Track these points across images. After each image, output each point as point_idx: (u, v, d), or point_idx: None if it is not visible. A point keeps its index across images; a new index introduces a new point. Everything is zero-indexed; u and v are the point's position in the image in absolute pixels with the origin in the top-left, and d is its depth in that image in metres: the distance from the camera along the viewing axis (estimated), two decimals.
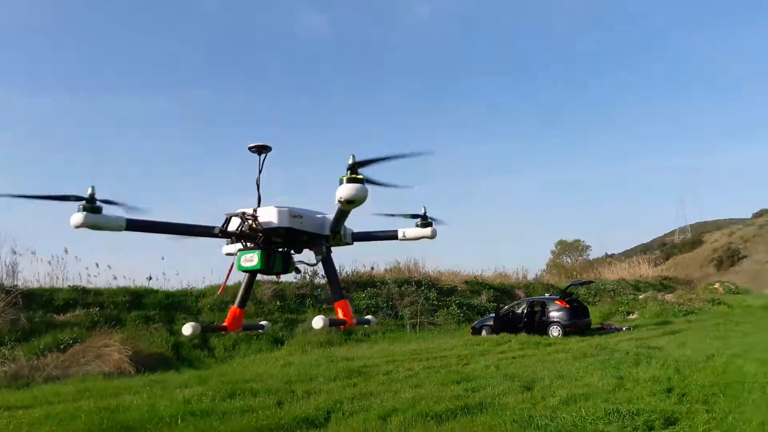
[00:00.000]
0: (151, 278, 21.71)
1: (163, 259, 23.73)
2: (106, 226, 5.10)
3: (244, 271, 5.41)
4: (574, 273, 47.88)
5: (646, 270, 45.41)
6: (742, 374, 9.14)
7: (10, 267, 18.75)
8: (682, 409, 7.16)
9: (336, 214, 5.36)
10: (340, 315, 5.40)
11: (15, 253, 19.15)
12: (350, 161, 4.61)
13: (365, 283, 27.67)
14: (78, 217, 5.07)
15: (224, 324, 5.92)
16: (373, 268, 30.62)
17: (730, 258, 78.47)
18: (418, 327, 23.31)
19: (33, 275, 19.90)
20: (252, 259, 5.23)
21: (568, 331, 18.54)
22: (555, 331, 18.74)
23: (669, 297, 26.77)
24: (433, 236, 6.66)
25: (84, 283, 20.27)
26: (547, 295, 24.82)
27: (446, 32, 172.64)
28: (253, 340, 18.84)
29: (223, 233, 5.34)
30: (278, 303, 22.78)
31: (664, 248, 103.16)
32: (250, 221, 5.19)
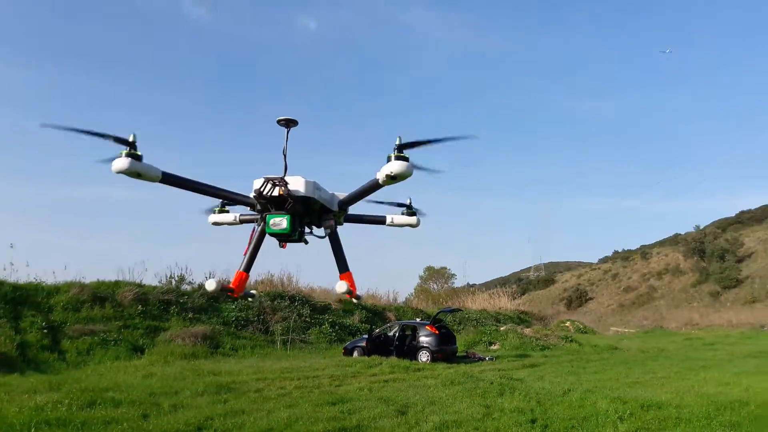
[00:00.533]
0: None
1: (12, 247, 21.27)
2: (146, 175, 5.11)
3: (272, 233, 5.64)
4: (440, 299, 49.81)
5: (505, 303, 48.27)
6: (595, 409, 9.92)
7: None
8: None
9: (361, 189, 5.76)
10: (344, 289, 5.87)
11: None
12: (397, 142, 5.12)
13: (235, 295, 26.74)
14: (123, 162, 4.95)
15: (232, 286, 6.14)
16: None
17: (578, 298, 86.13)
18: (289, 344, 22.91)
19: None
20: (281, 223, 5.60)
21: (436, 357, 19.13)
22: (424, 357, 19.27)
23: (527, 331, 28.57)
24: (417, 225, 7.26)
25: None
26: (418, 319, 25.58)
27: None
28: (110, 346, 17.46)
29: (259, 197, 5.47)
30: (140, 307, 21.33)
31: (520, 283, 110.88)
32: (281, 186, 5.41)
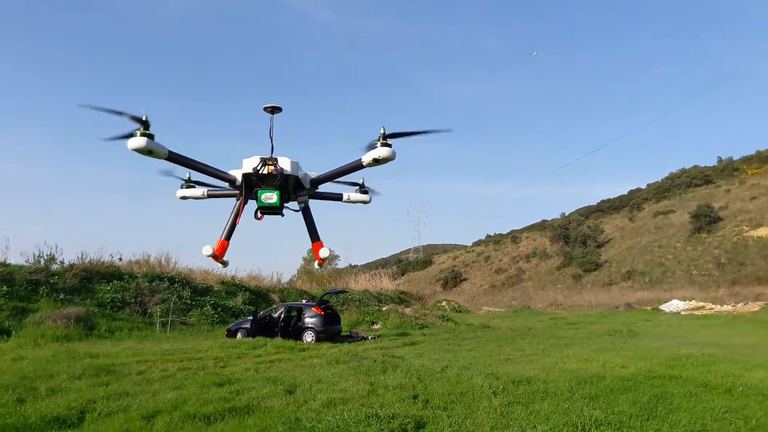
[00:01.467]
0: None
1: None
2: (156, 153, 5.55)
3: (263, 206, 6.27)
4: (324, 281, 50.42)
5: (386, 283, 49.88)
6: (471, 385, 10.69)
7: None
8: (428, 414, 8.29)
9: (342, 169, 6.65)
10: (326, 254, 6.90)
11: None
12: (382, 131, 5.98)
13: (111, 274, 25.59)
14: (140, 140, 5.65)
15: (216, 252, 6.76)
16: (120, 259, 28.49)
17: (454, 279, 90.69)
18: (169, 326, 22.35)
19: None
20: (272, 197, 6.31)
21: (321, 337, 19.62)
22: (309, 337, 19.70)
23: (407, 311, 29.87)
24: (369, 201, 8.08)
25: None
26: (304, 301, 25.94)
27: None
28: None
29: (255, 174, 6.05)
30: (4, 288, 19.88)
31: (400, 264, 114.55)
32: (272, 165, 6.12)
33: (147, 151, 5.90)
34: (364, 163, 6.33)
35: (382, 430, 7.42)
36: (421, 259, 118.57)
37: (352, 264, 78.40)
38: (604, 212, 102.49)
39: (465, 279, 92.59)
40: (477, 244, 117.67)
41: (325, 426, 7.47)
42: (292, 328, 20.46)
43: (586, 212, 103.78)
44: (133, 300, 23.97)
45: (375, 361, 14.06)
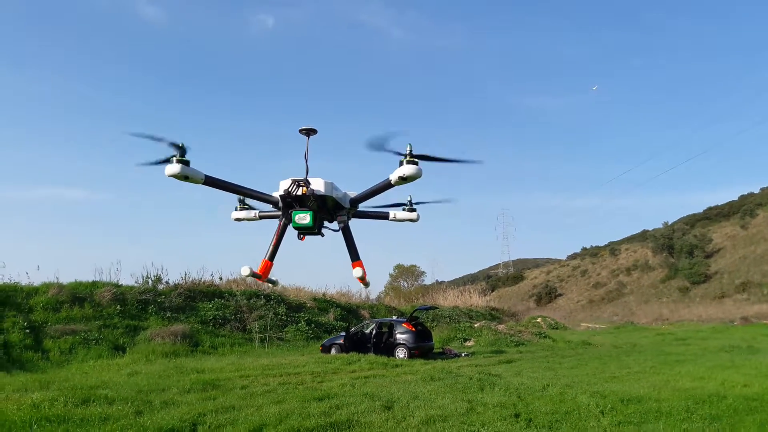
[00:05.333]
0: None
1: None
2: (192, 178, 6.06)
3: (297, 227, 6.62)
4: (411, 297, 50.38)
5: (476, 300, 48.99)
6: (576, 404, 10.23)
7: None
8: None
9: (374, 189, 6.84)
10: (359, 274, 6.98)
11: None
12: (408, 149, 6.12)
13: (212, 293, 26.91)
14: (175, 167, 5.98)
15: (258, 272, 7.16)
16: (221, 278, 29.90)
17: (548, 295, 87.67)
18: (267, 342, 23.20)
19: None
20: (305, 218, 6.58)
21: (413, 353, 19.58)
22: (401, 353, 19.72)
23: (501, 327, 29.18)
24: (417, 219, 8.21)
25: None
26: (394, 317, 26.05)
27: None
28: (92, 345, 17.55)
29: (287, 196, 6.43)
30: (118, 307, 21.39)
31: (489, 280, 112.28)
32: (304, 186, 6.42)
33: (183, 177, 6.15)
34: (392, 182, 6.36)
35: None
36: (512, 274, 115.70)
37: (439, 280, 77.98)
38: (711, 220, 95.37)
39: (560, 294, 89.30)
40: (572, 257, 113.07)
41: None
42: (384, 344, 20.57)
43: (692, 221, 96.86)
44: (233, 317, 25.08)
45: (471, 378, 13.83)
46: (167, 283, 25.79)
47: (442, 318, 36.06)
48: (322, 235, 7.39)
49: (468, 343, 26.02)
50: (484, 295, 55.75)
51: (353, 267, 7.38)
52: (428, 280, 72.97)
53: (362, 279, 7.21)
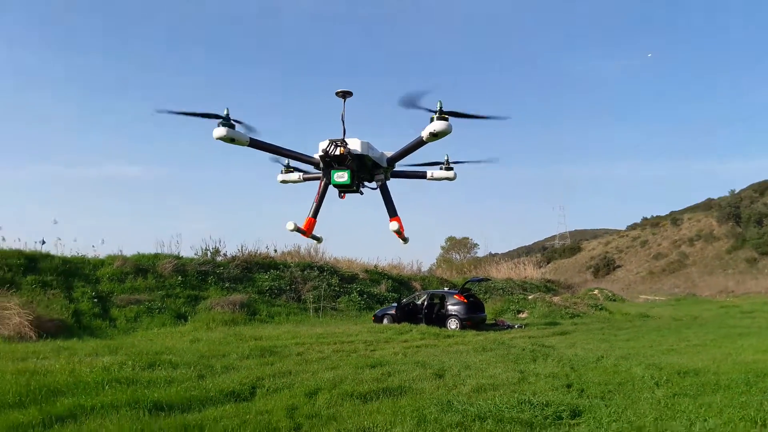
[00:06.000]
0: (44, 242, 20.53)
1: (56, 223, 22.66)
2: (238, 140, 6.53)
3: (336, 185, 7.03)
4: (463, 269, 50.22)
5: (531, 272, 48.41)
6: (630, 375, 10.08)
7: None
8: (585, 403, 7.98)
9: (408, 146, 7.15)
10: (395, 228, 7.29)
11: None
12: (438, 105, 6.25)
13: (268, 264, 27.65)
14: (221, 130, 6.39)
15: (303, 228, 7.66)
16: (275, 250, 30.66)
17: (606, 266, 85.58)
18: (321, 312, 23.75)
19: None
20: (343, 176, 6.96)
21: (465, 324, 19.65)
22: (453, 324, 19.82)
23: (556, 299, 28.83)
24: (454, 178, 8.40)
25: None
26: (445, 288, 26.12)
27: None
28: (155, 314, 18.43)
29: (325, 155, 6.82)
30: (179, 278, 22.29)
31: (545, 252, 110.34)
32: (341, 146, 6.77)
33: (229, 139, 6.50)
34: (424, 138, 6.50)
35: (536, 416, 7.25)
36: (569, 245, 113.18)
37: (493, 252, 77.26)
38: None
39: (619, 266, 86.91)
40: (632, 228, 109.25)
41: (477, 410, 7.46)
42: (435, 315, 20.71)
43: (761, 188, 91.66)
44: (288, 287, 25.78)
45: (524, 349, 13.77)
46: (225, 255, 26.70)
47: (495, 290, 35.96)
48: (361, 193, 7.71)
49: (521, 315, 25.88)
50: (539, 267, 54.99)
51: (390, 221, 7.64)
52: (481, 253, 72.41)
53: (399, 233, 7.45)
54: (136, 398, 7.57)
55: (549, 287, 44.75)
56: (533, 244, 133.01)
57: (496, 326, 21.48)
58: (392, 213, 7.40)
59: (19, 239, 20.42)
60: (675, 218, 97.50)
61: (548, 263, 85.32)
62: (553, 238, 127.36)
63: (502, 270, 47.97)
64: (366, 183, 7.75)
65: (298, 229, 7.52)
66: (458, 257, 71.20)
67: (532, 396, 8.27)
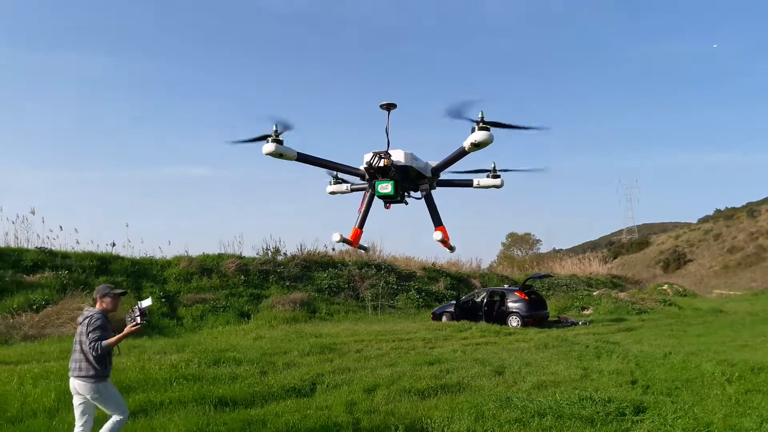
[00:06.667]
0: (115, 245, 21.56)
1: (127, 226, 23.83)
2: (286, 155, 6.98)
3: (380, 196, 7.29)
4: (525, 266, 49.35)
5: (596, 267, 47.04)
6: (700, 372, 9.68)
7: None
8: (649, 399, 7.74)
9: (451, 156, 7.31)
10: (439, 237, 7.38)
11: None
12: (480, 115, 6.33)
13: (326, 263, 28.00)
14: (270, 146, 6.78)
15: (350, 239, 7.97)
16: (333, 249, 31.01)
17: (676, 261, 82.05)
18: (379, 309, 23.87)
19: None
20: (387, 187, 7.20)
21: (527, 322, 19.31)
22: (514, 321, 19.52)
23: (622, 295, 27.88)
24: (501, 185, 8.48)
25: (48, 245, 20.05)
26: (505, 285, 25.74)
27: None
28: (220, 312, 19.00)
29: (369, 167, 7.10)
30: (242, 277, 22.87)
31: (611, 247, 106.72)
32: (385, 158, 7.02)
33: (278, 155, 6.79)
34: (466, 149, 6.51)
35: (598, 412, 7.07)
36: (636, 240, 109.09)
37: (556, 248, 75.56)
38: None
39: (690, 260, 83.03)
40: (703, 220, 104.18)
41: (537, 406, 7.34)
42: (496, 313, 20.45)
43: None
44: (346, 285, 26.04)
45: (587, 346, 13.41)
46: (285, 254, 27.24)
47: (558, 286, 35.15)
48: (406, 203, 7.81)
49: (586, 312, 25.18)
50: (606, 262, 53.33)
51: (435, 231, 7.59)
52: (544, 249, 70.98)
53: (444, 242, 7.49)
54: (202, 394, 7.86)
55: (615, 283, 43.31)
56: (599, 239, 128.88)
57: (559, 323, 21.00)
58: (437, 222, 7.50)
59: (92, 241, 21.53)
60: (752, 210, 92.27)
61: (615, 258, 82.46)
62: (620, 232, 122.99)
63: (566, 266, 46.88)
64: (411, 193, 7.82)
65: (344, 240, 7.70)
66: (520, 254, 70.11)
67: (594, 392, 8.07)
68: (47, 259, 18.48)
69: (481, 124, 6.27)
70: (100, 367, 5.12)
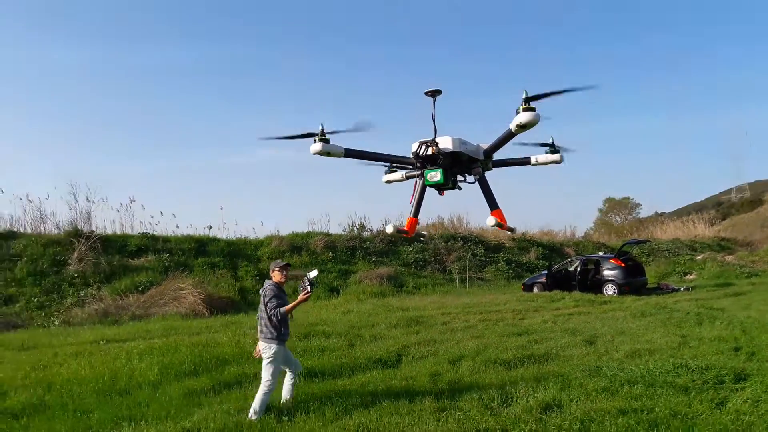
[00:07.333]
0: (211, 227, 22.76)
1: (222, 209, 25.09)
2: (334, 153, 7.26)
3: (430, 185, 7.39)
4: (624, 231, 47.15)
5: (702, 230, 44.13)
6: None
7: (85, 214, 19.99)
8: (753, 367, 7.25)
9: (500, 138, 7.22)
10: (497, 220, 7.34)
11: (89, 201, 20.34)
12: (524, 95, 6.18)
13: (411, 238, 28.08)
14: (317, 146, 6.96)
15: (406, 228, 8.20)
16: (419, 223, 31.06)
17: None
18: (467, 282, 23.71)
19: (102, 222, 21.26)
20: (436, 175, 7.27)
21: (623, 290, 18.52)
22: (610, 290, 18.77)
23: (730, 258, 26.10)
24: (561, 161, 8.21)
25: (150, 231, 21.50)
26: (600, 253, 24.75)
27: None
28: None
29: (416, 157, 7.23)
30: (330, 254, 23.48)
31: (719, 207, 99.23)
32: (432, 146, 7.10)
33: (326, 153, 6.89)
34: (513, 130, 6.38)
35: (694, 380, 6.68)
36: (748, 198, 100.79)
37: (659, 212, 71.40)
38: None
39: None
40: None
41: (628, 375, 7.03)
42: (590, 281, 19.76)
43: None
44: (432, 259, 26.05)
45: (688, 313, 12.68)
46: (371, 230, 27.61)
47: (659, 252, 33.31)
48: (460, 188, 7.66)
49: (689, 277, 23.80)
50: (712, 224, 49.86)
51: (491, 215, 7.42)
52: (645, 213, 67.23)
53: (500, 226, 7.28)
54: None
55: (723, 246, 40.38)
56: (705, 199, 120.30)
57: (659, 290, 19.98)
58: (493, 206, 7.38)
59: (191, 225, 22.85)
60: None
61: (723, 220, 76.83)
62: (729, 191, 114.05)
63: (668, 230, 44.32)
64: (465, 177, 7.61)
65: (400, 231, 7.78)
66: (618, 219, 66.98)
67: (691, 360, 7.61)
68: (149, 243, 19.88)
69: (525, 104, 6.12)
70: (279, 330, 6.14)
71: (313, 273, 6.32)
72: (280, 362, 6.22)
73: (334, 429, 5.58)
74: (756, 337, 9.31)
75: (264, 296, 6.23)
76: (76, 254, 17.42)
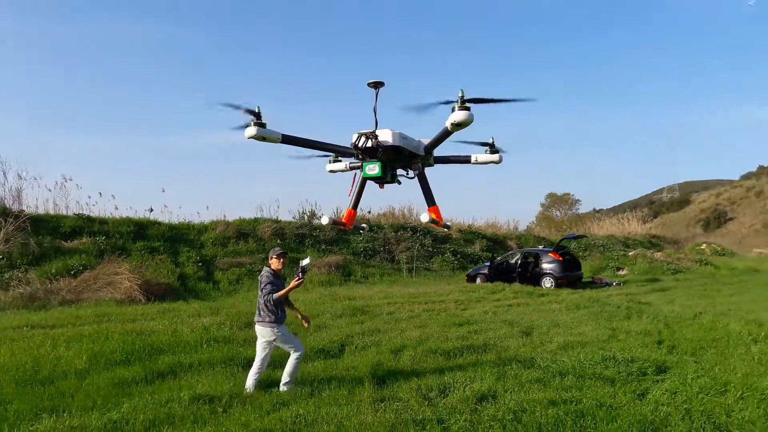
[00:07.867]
0: (152, 210, 22.09)
1: (164, 191, 24.37)
2: (269, 138, 6.96)
3: (368, 178, 7.31)
4: (564, 226, 48.72)
5: (635, 227, 46.18)
6: (727, 332, 9.64)
7: (15, 192, 19.05)
8: (673, 359, 7.73)
9: (438, 136, 7.16)
10: (433, 216, 7.08)
11: (21, 178, 19.40)
12: (460, 94, 6.08)
13: (350, 230, 28.11)
14: (252, 130, 6.58)
15: (344, 221, 7.98)
16: (369, 212, 31.18)
17: (717, 219, 79.74)
18: (414, 272, 23.98)
19: (34, 201, 20.29)
20: (374, 168, 7.15)
21: (560, 283, 19.15)
22: (548, 283, 19.37)
23: (658, 255, 27.45)
24: (500, 161, 8.29)
25: (86, 212, 20.67)
26: (540, 247, 25.51)
27: None
28: (256, 276, 19.38)
29: (356, 148, 7.07)
30: (278, 241, 23.21)
31: (652, 206, 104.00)
32: (372, 139, 6.96)
33: (261, 138, 6.60)
34: (449, 128, 6.33)
35: (620, 372, 7.11)
36: (677, 198, 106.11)
37: (597, 208, 74.07)
38: None
39: (731, 219, 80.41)
40: (746, 177, 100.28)
41: (560, 366, 7.37)
42: (530, 274, 20.33)
43: None
44: (381, 248, 26.19)
45: (619, 306, 13.30)
46: (321, 217, 27.44)
47: (594, 247, 34.70)
48: (399, 183, 7.60)
49: (621, 272, 24.88)
50: (645, 222, 52.21)
51: (427, 211, 7.35)
52: (584, 209, 69.70)
53: (436, 223, 7.35)
54: (231, 356, 8.12)
55: (653, 243, 42.43)
56: (640, 198, 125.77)
57: (593, 284, 20.80)
58: (430, 202, 7.28)
59: (131, 207, 22.12)
60: None
61: (655, 218, 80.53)
62: (660, 191, 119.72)
63: (604, 226, 46.16)
64: (406, 172, 7.65)
65: (336, 223, 7.62)
66: (558, 214, 69.12)
67: (619, 352, 8.09)
68: (85, 225, 19.10)
69: (460, 104, 6.02)
70: (276, 314, 6.78)
71: (305, 261, 6.80)
72: (287, 333, 6.92)
73: (270, 420, 5.57)
74: (677, 331, 9.90)
75: (260, 283, 6.84)
76: (2, 234, 16.48)
